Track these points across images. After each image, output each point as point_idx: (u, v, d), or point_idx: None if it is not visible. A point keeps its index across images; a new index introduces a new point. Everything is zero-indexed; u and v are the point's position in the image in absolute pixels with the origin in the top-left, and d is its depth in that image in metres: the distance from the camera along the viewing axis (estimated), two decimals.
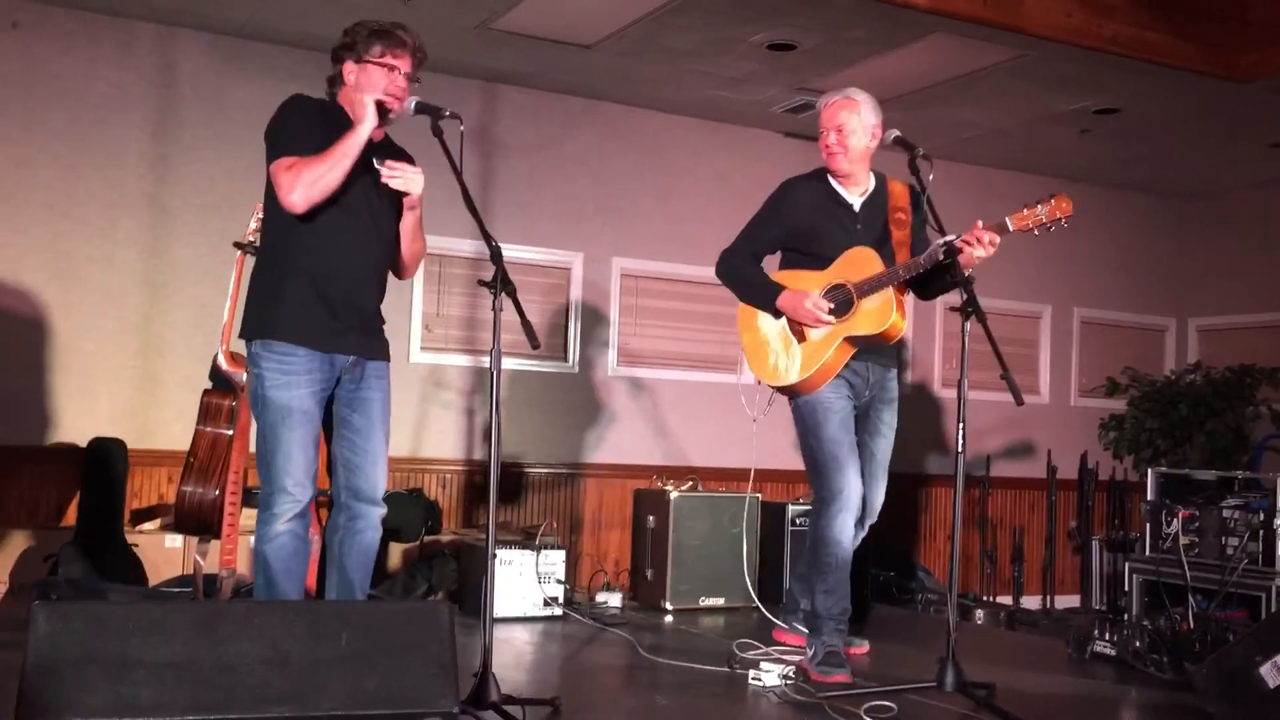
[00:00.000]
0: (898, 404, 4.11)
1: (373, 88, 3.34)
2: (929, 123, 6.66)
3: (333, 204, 3.27)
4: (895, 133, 3.87)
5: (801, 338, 3.95)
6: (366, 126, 3.25)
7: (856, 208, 4.02)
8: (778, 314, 3.99)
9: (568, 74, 6.30)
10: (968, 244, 3.64)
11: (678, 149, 6.96)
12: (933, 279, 3.86)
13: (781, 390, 4.02)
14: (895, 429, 4.11)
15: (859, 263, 3.91)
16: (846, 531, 3.90)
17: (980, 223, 3.67)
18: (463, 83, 6.31)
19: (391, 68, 3.36)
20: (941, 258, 3.64)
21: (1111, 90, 6.20)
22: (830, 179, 4.06)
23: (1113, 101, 6.39)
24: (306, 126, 3.31)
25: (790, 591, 4.50)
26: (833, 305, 3.87)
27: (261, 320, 3.32)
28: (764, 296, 4.01)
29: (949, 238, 3.61)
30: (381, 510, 3.44)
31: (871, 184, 4.06)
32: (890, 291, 3.85)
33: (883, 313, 3.86)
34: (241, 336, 3.39)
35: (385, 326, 3.54)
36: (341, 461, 3.41)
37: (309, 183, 3.19)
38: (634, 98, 6.68)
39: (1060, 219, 3.66)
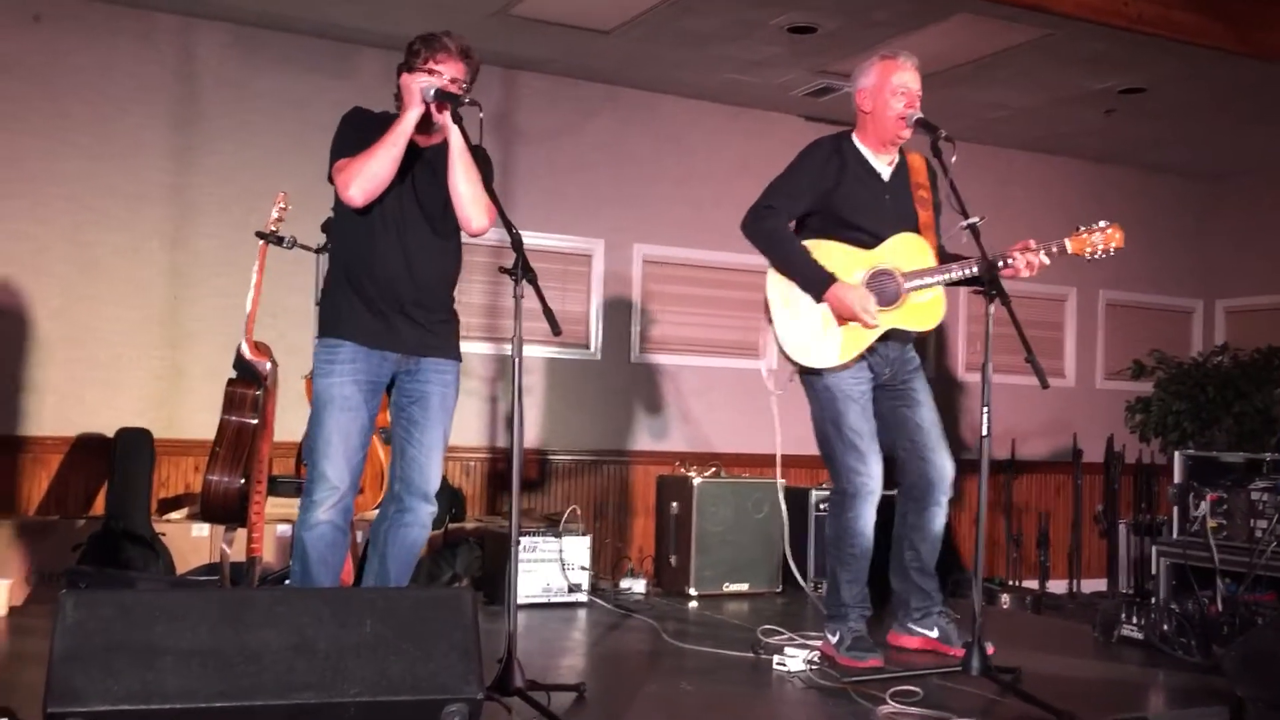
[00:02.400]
0: (924, 373, 4.02)
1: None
2: (952, 104, 6.61)
3: (379, 204, 3.34)
4: (918, 114, 3.80)
5: (842, 321, 3.78)
6: (413, 114, 3.30)
7: (885, 178, 3.90)
8: (819, 300, 3.77)
9: (587, 59, 6.28)
10: (1011, 263, 3.71)
11: (698, 134, 6.94)
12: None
13: (805, 370, 3.87)
14: (931, 395, 3.98)
15: (909, 251, 3.82)
16: (870, 522, 3.85)
17: (1033, 241, 3.73)
18: (482, 69, 6.28)
19: (432, 72, 3.37)
20: (983, 271, 3.58)
21: (1138, 70, 6.14)
22: (859, 145, 3.91)
23: (1139, 81, 6.33)
24: (359, 132, 3.38)
25: (895, 594, 4.13)
26: (880, 305, 3.76)
27: (321, 321, 3.50)
28: (810, 279, 3.76)
29: (972, 219, 3.55)
30: (432, 508, 3.48)
31: (896, 156, 3.95)
32: (940, 288, 3.81)
33: (933, 311, 3.83)
34: None
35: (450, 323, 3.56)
36: (399, 453, 3.49)
37: (362, 175, 3.28)
38: (653, 83, 6.66)
39: (1110, 249, 3.75)
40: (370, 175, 3.28)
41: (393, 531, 3.47)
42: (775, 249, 3.83)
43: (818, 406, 3.90)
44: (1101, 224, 3.79)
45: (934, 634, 3.99)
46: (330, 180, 3.40)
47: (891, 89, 3.80)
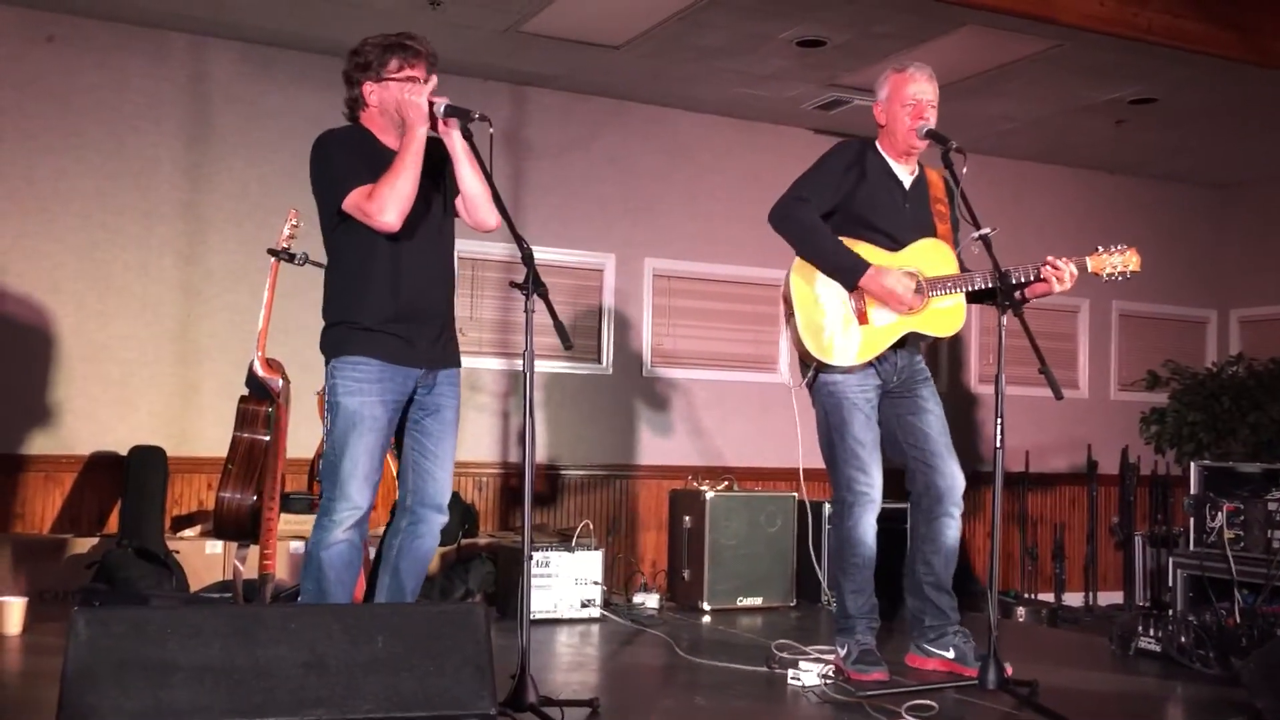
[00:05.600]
0: (933, 382, 3.97)
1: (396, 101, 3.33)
2: (962, 116, 6.60)
3: None
4: (928, 125, 3.79)
5: (864, 319, 3.76)
6: (423, 127, 3.25)
7: (906, 186, 3.89)
8: (853, 287, 3.74)
9: (596, 75, 6.30)
10: (1048, 278, 3.68)
11: (707, 148, 6.94)
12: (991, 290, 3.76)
13: (821, 365, 3.81)
14: (941, 405, 3.93)
15: (933, 256, 3.81)
16: (871, 530, 3.82)
17: (1062, 260, 3.71)
18: (492, 85, 6.33)
19: (411, 79, 3.34)
20: (995, 282, 3.56)
21: (1148, 80, 6.13)
22: (881, 152, 3.90)
23: (1149, 91, 6.31)
24: (354, 157, 3.31)
25: (910, 611, 4.03)
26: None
27: (337, 341, 3.35)
28: (845, 266, 3.71)
29: (984, 231, 3.55)
30: (443, 518, 3.47)
31: (916, 168, 3.94)
32: (961, 295, 3.79)
33: (954, 317, 3.82)
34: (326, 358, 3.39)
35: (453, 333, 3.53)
36: (411, 465, 3.45)
37: (395, 199, 3.20)
38: (663, 97, 6.67)
39: (1128, 271, 3.73)
40: (404, 197, 3.21)
41: (406, 544, 3.44)
42: (808, 237, 3.78)
43: (823, 411, 3.87)
44: (1119, 246, 3.79)
45: (950, 655, 3.88)
46: (336, 211, 3.30)
47: (902, 101, 3.81)
